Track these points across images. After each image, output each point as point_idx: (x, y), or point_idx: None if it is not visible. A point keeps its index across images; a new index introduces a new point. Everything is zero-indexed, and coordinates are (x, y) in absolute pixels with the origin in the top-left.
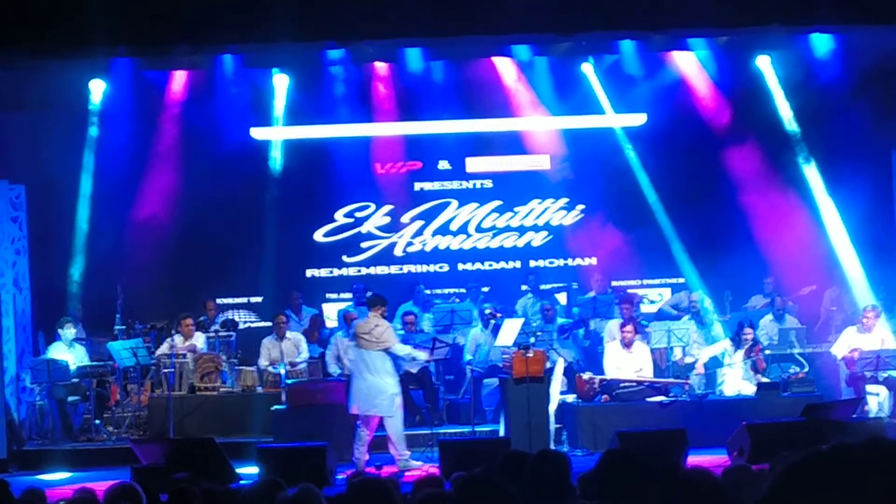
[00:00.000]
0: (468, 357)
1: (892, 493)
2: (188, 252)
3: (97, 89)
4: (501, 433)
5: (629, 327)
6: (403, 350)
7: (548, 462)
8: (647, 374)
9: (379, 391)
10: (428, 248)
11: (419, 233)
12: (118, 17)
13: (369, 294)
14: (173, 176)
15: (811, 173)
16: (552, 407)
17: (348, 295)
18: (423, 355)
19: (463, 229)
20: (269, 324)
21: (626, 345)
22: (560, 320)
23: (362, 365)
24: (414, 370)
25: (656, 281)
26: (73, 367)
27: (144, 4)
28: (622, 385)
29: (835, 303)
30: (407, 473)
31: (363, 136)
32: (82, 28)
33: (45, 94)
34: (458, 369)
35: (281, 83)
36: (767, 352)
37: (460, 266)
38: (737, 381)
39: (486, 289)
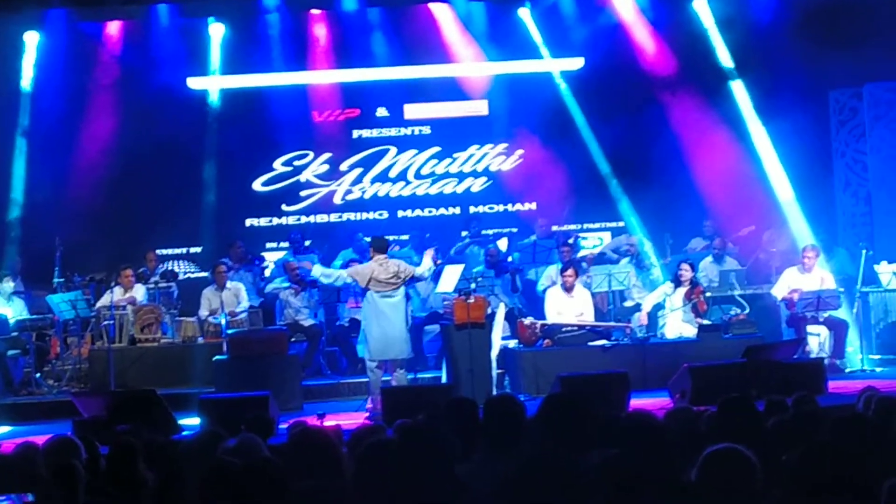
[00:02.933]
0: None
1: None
2: (126, 204)
3: (31, 41)
4: (444, 380)
5: (570, 271)
6: (427, 266)
7: (504, 407)
8: (589, 318)
9: (401, 333)
10: (367, 196)
11: (358, 180)
12: None
13: (371, 238)
14: (110, 128)
15: (749, 114)
16: (494, 352)
17: (287, 244)
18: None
19: (402, 176)
20: (205, 274)
21: (567, 289)
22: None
23: (390, 311)
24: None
25: (596, 225)
26: (11, 321)
27: None
28: (564, 329)
29: (774, 243)
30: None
31: (300, 84)
32: None
33: None
34: None
35: (217, 32)
36: (708, 294)
37: (400, 213)
38: (678, 324)
39: (428, 235)
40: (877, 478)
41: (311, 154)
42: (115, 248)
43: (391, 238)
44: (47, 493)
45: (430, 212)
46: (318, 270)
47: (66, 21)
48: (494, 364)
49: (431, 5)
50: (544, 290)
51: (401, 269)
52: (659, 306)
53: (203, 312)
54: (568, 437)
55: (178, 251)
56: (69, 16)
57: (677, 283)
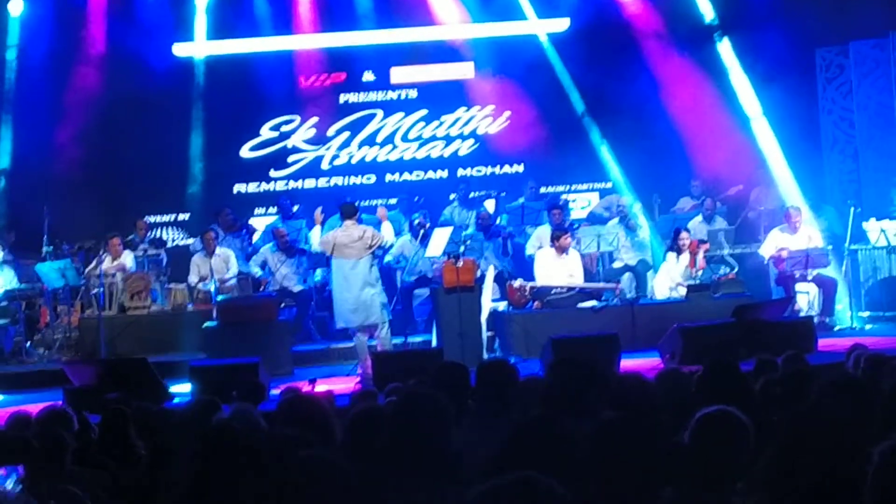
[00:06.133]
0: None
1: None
2: (114, 171)
3: (15, 7)
4: (434, 343)
5: (566, 236)
6: (389, 234)
7: (497, 372)
8: (578, 279)
9: (372, 300)
10: (355, 161)
11: (345, 145)
12: None
13: (344, 203)
14: (97, 94)
15: (736, 73)
16: (484, 315)
17: (275, 210)
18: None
19: (389, 140)
20: (194, 240)
21: (564, 251)
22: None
23: (350, 277)
24: None
25: (584, 186)
26: (1, 291)
27: None
28: (553, 291)
29: (762, 202)
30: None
31: (286, 49)
32: None
33: None
34: (388, 281)
35: None
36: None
37: (388, 177)
38: (667, 285)
39: (416, 198)
40: (868, 441)
41: (298, 119)
42: (104, 215)
43: (378, 202)
44: (39, 464)
45: (417, 175)
46: (315, 241)
47: None
48: (484, 327)
49: None
50: (533, 253)
51: (366, 235)
52: (646, 265)
53: (192, 279)
54: (576, 402)
55: (166, 218)
56: None
57: (677, 251)
